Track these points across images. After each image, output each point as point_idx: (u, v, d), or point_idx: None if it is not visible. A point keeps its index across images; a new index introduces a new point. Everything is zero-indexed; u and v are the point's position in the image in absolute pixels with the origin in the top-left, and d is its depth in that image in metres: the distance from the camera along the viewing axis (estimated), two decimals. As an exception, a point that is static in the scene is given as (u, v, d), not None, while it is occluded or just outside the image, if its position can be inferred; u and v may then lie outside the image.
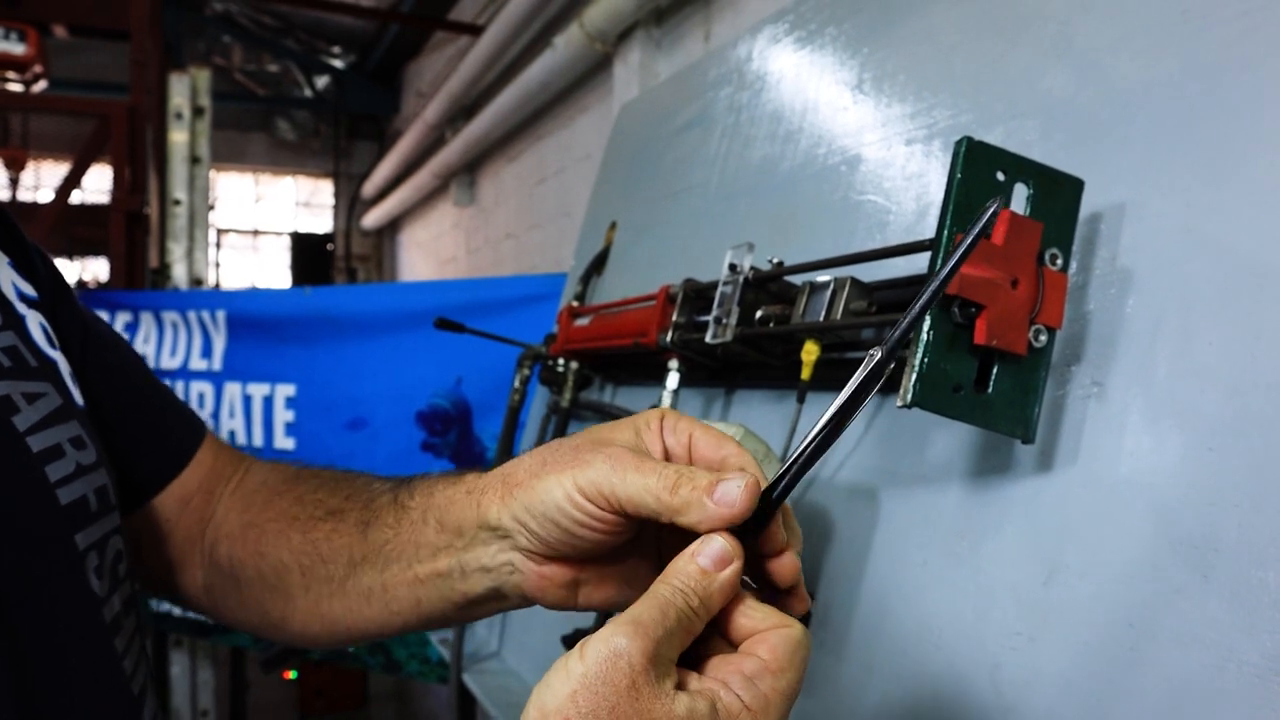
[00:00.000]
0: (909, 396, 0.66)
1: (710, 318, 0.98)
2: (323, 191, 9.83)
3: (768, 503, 0.50)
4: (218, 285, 4.20)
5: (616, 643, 0.43)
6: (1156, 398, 0.67)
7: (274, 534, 0.72)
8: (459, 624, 0.66)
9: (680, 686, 0.44)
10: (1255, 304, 0.63)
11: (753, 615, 0.49)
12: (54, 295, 0.67)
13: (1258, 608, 0.56)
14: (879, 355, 0.48)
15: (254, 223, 9.69)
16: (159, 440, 0.75)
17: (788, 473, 0.49)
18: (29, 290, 0.64)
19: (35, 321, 0.63)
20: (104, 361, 0.71)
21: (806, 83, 1.25)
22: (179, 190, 3.57)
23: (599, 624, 1.18)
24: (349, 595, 0.67)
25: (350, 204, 9.42)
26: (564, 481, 0.54)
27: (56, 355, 0.63)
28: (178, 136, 3.57)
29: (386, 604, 0.66)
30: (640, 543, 0.59)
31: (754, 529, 0.50)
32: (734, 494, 0.49)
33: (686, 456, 0.56)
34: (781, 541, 0.52)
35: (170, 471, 0.75)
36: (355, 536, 0.67)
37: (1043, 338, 0.69)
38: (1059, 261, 0.69)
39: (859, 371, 0.48)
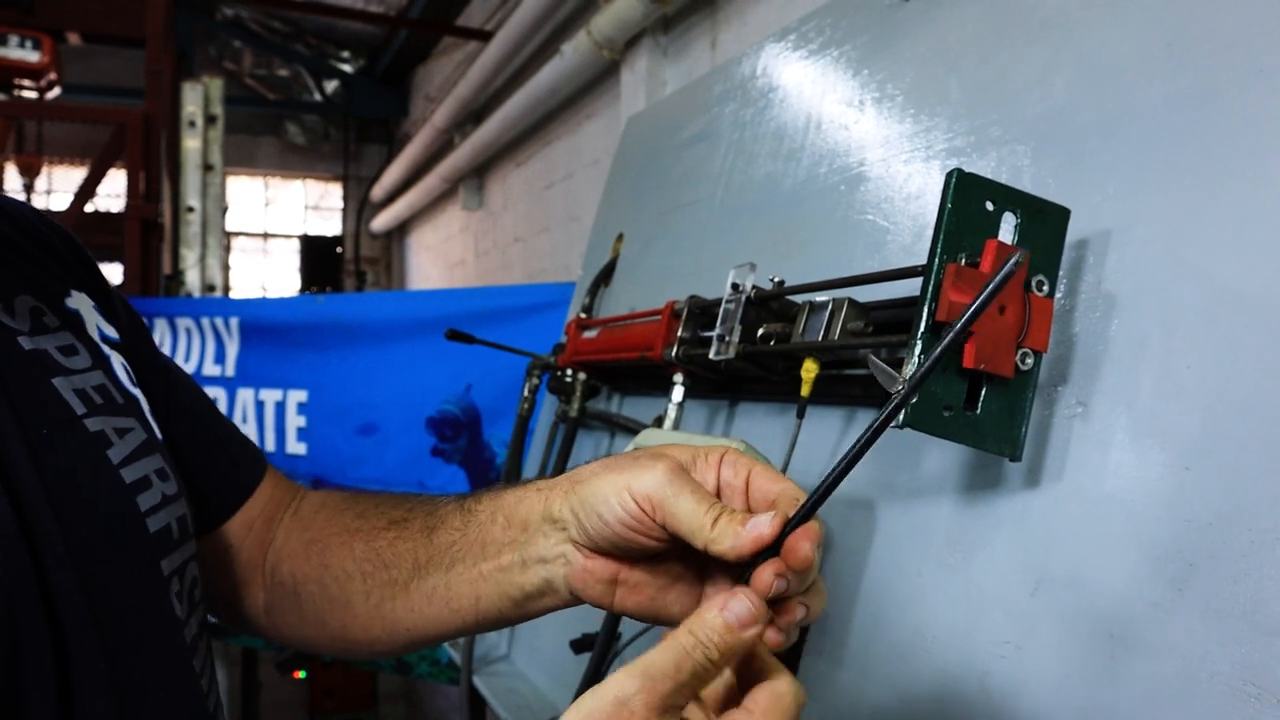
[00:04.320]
0: (901, 418, 0.69)
1: (714, 334, 1.01)
2: (332, 195, 9.90)
3: (788, 526, 0.54)
4: (228, 288, 4.25)
5: (625, 690, 0.46)
6: (1138, 418, 0.70)
7: (337, 545, 0.75)
8: (513, 624, 0.69)
9: None
10: (1233, 328, 0.66)
11: (753, 661, 0.52)
12: (133, 336, 0.71)
13: (1229, 620, 0.60)
14: (901, 392, 0.51)
15: (264, 226, 9.75)
16: (226, 472, 0.78)
17: (812, 499, 0.54)
18: (111, 333, 0.67)
19: (117, 361, 0.66)
20: (179, 400, 0.75)
21: (809, 101, 1.29)
22: (192, 197, 3.62)
23: (607, 630, 1.21)
24: (411, 596, 0.70)
25: (359, 207, 9.48)
26: (619, 482, 0.59)
27: (137, 392, 0.66)
28: (191, 144, 3.62)
29: (448, 602, 0.68)
30: (684, 561, 0.62)
31: (774, 550, 0.54)
32: (763, 525, 0.53)
33: (744, 490, 0.60)
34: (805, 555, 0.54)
35: (236, 501, 0.79)
36: (420, 541, 0.70)
37: (1029, 361, 0.72)
38: (1045, 288, 0.72)
39: (884, 410, 0.51)
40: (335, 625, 0.74)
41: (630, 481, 0.58)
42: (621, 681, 0.47)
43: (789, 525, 0.53)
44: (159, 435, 0.67)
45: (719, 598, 0.50)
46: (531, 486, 0.67)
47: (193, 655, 0.63)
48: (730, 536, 0.53)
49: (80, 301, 0.66)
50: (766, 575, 0.52)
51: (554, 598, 0.66)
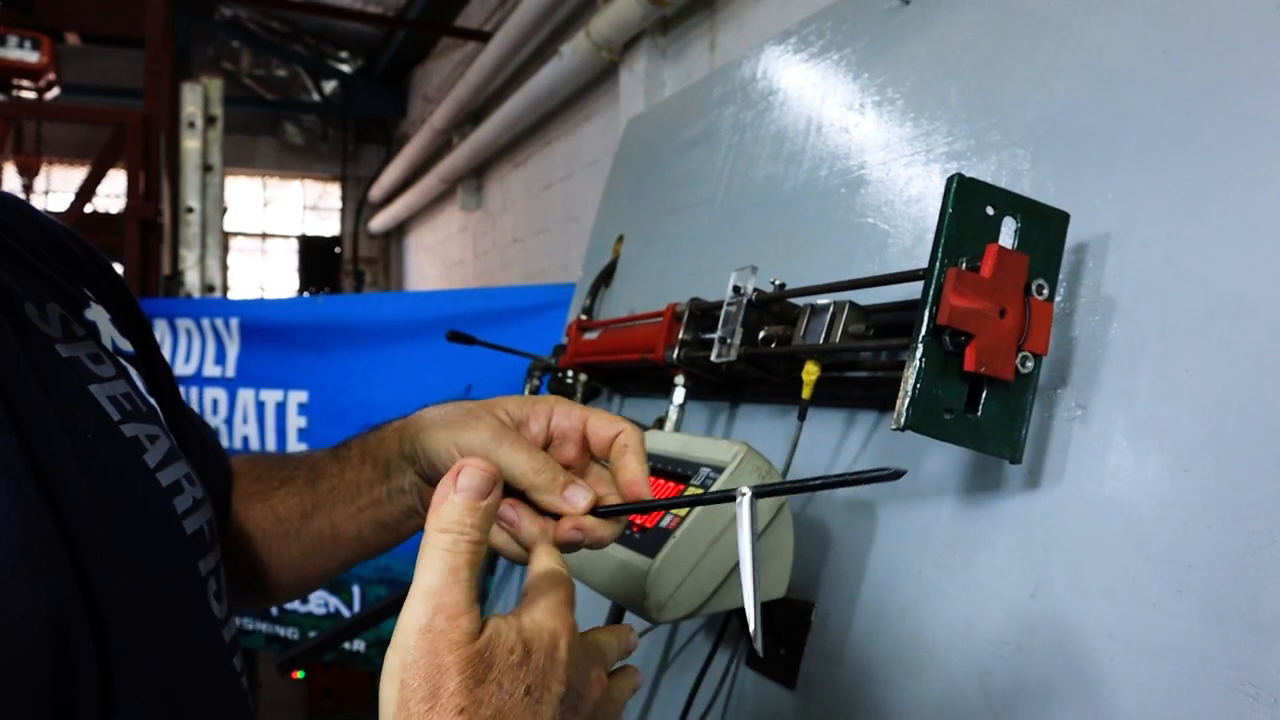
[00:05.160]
0: (902, 420, 0.70)
1: (716, 337, 1.02)
2: (330, 195, 9.89)
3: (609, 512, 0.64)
4: (226, 289, 4.25)
5: (420, 619, 0.48)
6: (1137, 420, 0.70)
7: (240, 512, 0.81)
8: (393, 546, 0.78)
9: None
10: (1230, 331, 0.67)
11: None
12: (148, 348, 0.72)
13: (1227, 620, 0.60)
14: (747, 495, 0.55)
15: (262, 226, 9.75)
16: (216, 472, 0.80)
17: (626, 510, 0.64)
18: (125, 346, 0.69)
19: (133, 372, 0.67)
20: (181, 408, 0.76)
21: (809, 104, 1.29)
22: (191, 198, 3.62)
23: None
24: (304, 541, 0.79)
25: (358, 207, 9.48)
26: (448, 437, 0.66)
27: (154, 401, 0.68)
28: (190, 144, 3.62)
29: (335, 539, 0.78)
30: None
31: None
32: (579, 499, 0.63)
33: (580, 431, 0.67)
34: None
35: (227, 499, 0.82)
36: (305, 493, 0.79)
37: (1029, 364, 0.72)
38: (1045, 291, 0.73)
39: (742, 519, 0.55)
40: (255, 580, 0.81)
41: (458, 437, 0.66)
42: (415, 611, 0.49)
43: (601, 511, 0.63)
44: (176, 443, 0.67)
45: (447, 477, 0.53)
46: (389, 427, 0.75)
47: (232, 654, 0.64)
48: (551, 496, 0.62)
49: (97, 314, 0.67)
50: (566, 527, 0.62)
51: (418, 519, 0.74)
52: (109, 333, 0.67)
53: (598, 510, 0.63)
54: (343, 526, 0.77)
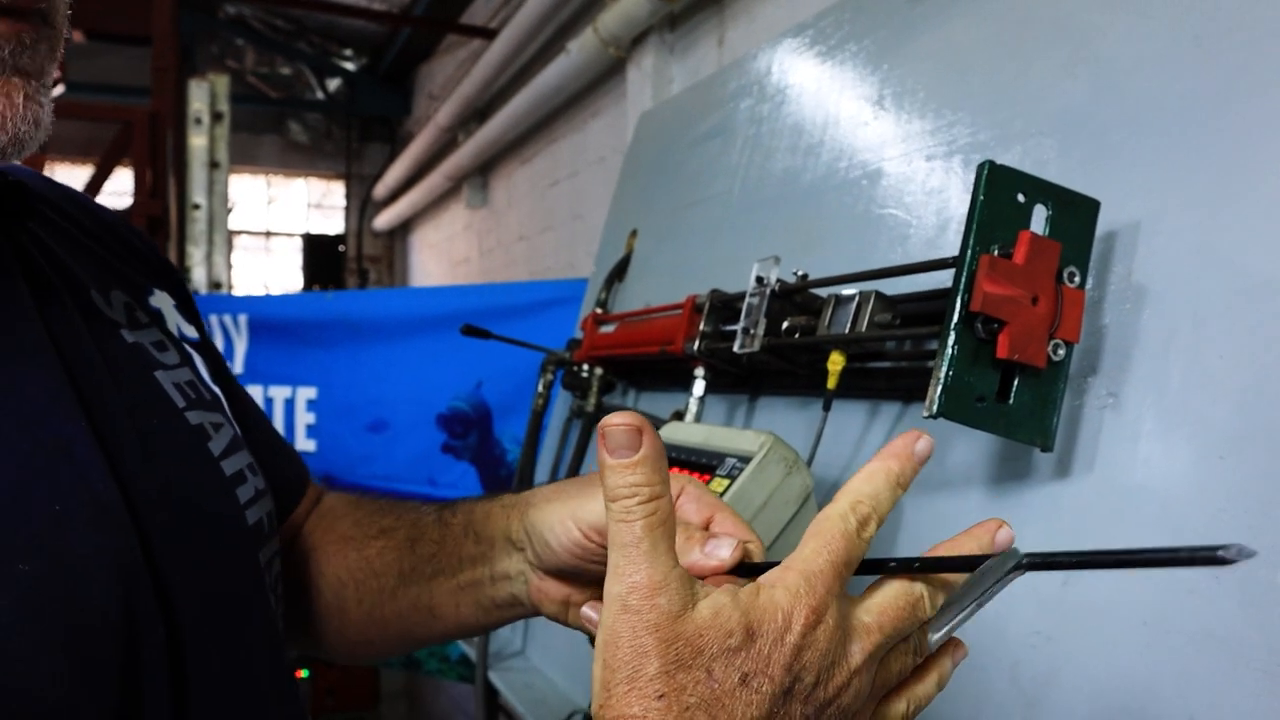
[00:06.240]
0: (935, 407, 0.69)
1: (738, 328, 1.02)
2: (335, 193, 9.89)
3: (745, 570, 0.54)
4: (230, 287, 4.25)
5: (618, 598, 0.43)
6: (1169, 408, 0.70)
7: (334, 554, 0.78)
8: (491, 629, 0.74)
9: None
10: (1264, 317, 0.66)
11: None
12: (204, 337, 0.72)
13: (1266, 607, 0.60)
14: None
15: (266, 224, 9.75)
16: (284, 474, 0.79)
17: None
18: (190, 333, 0.69)
19: (198, 360, 0.67)
20: (243, 401, 0.76)
21: (827, 97, 1.29)
22: (198, 194, 3.62)
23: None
24: (399, 603, 0.74)
25: (362, 206, 9.47)
26: (565, 511, 0.62)
27: (218, 390, 0.67)
28: (197, 141, 3.62)
29: (431, 610, 0.74)
30: None
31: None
32: (724, 552, 0.54)
33: (702, 529, 0.59)
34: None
35: (291, 504, 0.80)
36: (405, 551, 0.75)
37: (1061, 351, 0.72)
38: (1076, 279, 0.73)
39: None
40: (333, 629, 0.78)
41: (576, 510, 0.61)
42: (612, 587, 0.44)
43: (746, 569, 0.53)
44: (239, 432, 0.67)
45: (598, 444, 0.46)
46: (497, 503, 0.71)
47: (285, 646, 0.64)
48: (685, 555, 0.53)
49: (162, 300, 0.67)
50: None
51: (522, 609, 0.71)
52: (174, 319, 0.67)
53: (741, 568, 0.54)
54: (440, 599, 0.73)
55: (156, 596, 0.49)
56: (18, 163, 0.53)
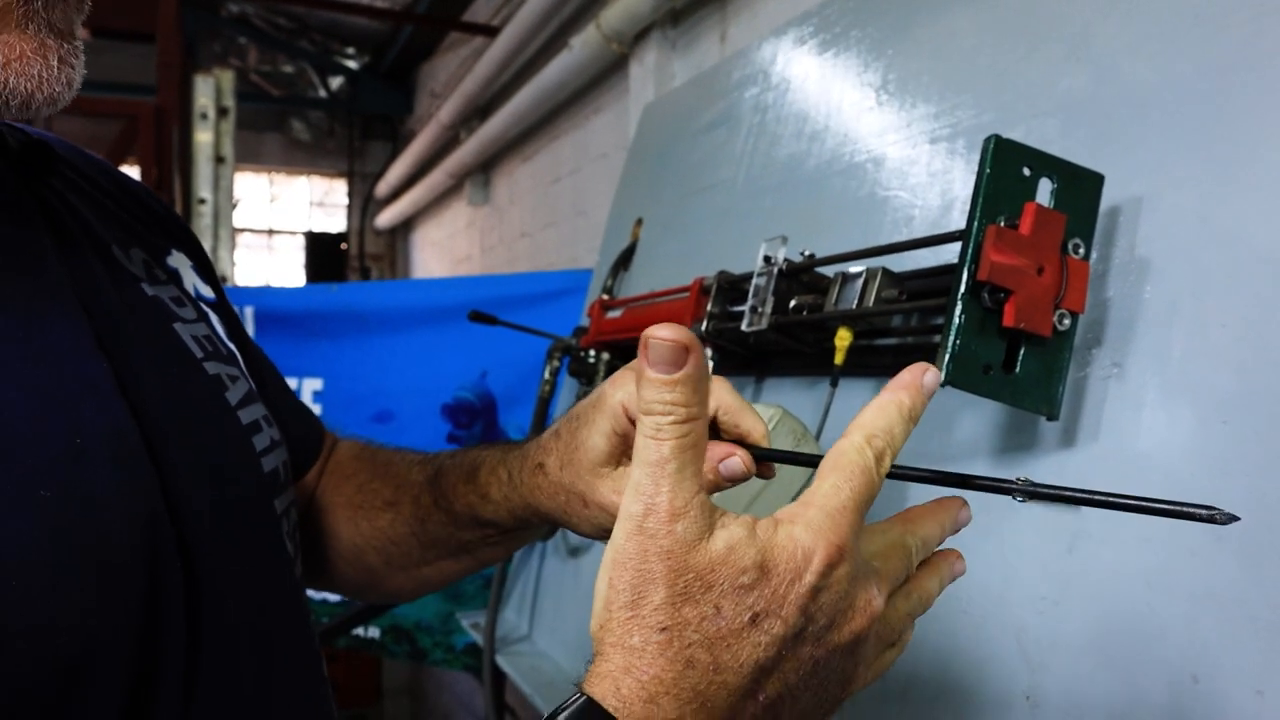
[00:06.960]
0: (943, 376, 0.71)
1: (745, 307, 1.03)
2: (337, 191, 9.91)
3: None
4: (234, 283, 4.26)
5: (633, 518, 0.42)
6: (1172, 377, 0.71)
7: (344, 519, 0.80)
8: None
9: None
10: (1265, 288, 0.68)
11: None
12: (222, 298, 0.74)
13: (1268, 566, 0.61)
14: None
15: (269, 222, 9.77)
16: (302, 432, 0.81)
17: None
18: (207, 293, 0.70)
19: (214, 318, 0.69)
20: (259, 360, 0.78)
21: (831, 83, 1.30)
22: (204, 189, 3.64)
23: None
24: (430, 567, 0.78)
25: (364, 203, 9.49)
26: (597, 421, 0.61)
27: (234, 346, 0.69)
28: (203, 137, 3.64)
29: (472, 555, 0.76)
30: None
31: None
32: (737, 468, 0.56)
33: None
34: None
35: (308, 461, 0.82)
36: (416, 526, 0.76)
37: (1066, 321, 0.74)
38: (1081, 250, 0.74)
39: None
40: (363, 581, 0.81)
41: (586, 494, 0.62)
42: (628, 505, 0.42)
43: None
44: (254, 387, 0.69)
45: (640, 352, 0.44)
46: (495, 485, 0.70)
47: (302, 591, 0.66)
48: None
49: (179, 260, 0.68)
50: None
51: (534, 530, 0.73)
52: (191, 280, 0.68)
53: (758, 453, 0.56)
54: (479, 550, 0.76)
55: (178, 536, 0.50)
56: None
